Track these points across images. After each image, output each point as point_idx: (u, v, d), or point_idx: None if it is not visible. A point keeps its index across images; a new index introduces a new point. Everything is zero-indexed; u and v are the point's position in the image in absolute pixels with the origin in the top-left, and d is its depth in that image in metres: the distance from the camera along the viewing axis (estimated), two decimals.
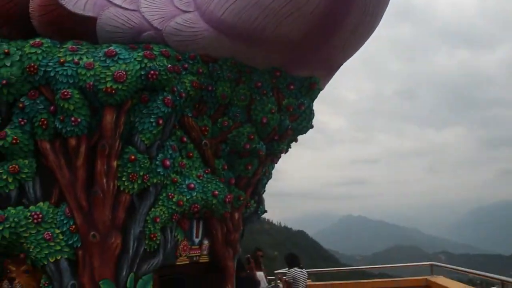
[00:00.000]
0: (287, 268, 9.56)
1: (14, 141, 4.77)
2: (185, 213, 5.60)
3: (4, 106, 4.92)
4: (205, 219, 6.05)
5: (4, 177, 4.77)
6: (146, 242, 5.16)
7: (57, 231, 4.82)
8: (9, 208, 4.74)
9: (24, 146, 4.85)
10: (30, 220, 4.70)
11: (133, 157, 5.05)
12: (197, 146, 5.87)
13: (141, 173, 5.09)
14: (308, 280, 10.00)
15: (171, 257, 5.53)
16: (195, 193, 5.56)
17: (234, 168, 6.41)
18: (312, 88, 6.32)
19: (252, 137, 6.16)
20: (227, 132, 6.13)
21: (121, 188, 5.02)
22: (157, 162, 5.32)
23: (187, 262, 5.79)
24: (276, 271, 10.86)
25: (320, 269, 13.99)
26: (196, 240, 5.96)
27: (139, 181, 5.10)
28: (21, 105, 4.89)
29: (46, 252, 4.69)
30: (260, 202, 7.38)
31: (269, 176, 7.54)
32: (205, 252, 6.10)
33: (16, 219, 4.63)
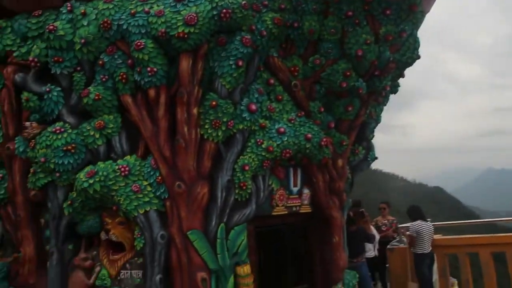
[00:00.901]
0: (410, 222, 8.55)
1: (96, 98, 4.58)
2: (278, 160, 5.00)
3: (87, 65, 4.73)
4: (304, 166, 5.39)
5: (92, 133, 4.62)
6: (236, 191, 4.68)
7: (145, 183, 4.56)
8: (99, 163, 4.59)
9: (107, 101, 4.64)
10: (118, 173, 4.49)
11: (214, 103, 4.56)
12: (286, 88, 5.19)
13: (225, 119, 4.59)
14: (437, 235, 8.84)
15: (266, 207, 5.00)
16: (286, 138, 4.92)
17: (333, 110, 5.62)
18: (413, 11, 5.19)
19: (348, 73, 5.29)
20: (320, 71, 5.34)
21: (205, 136, 4.58)
22: (242, 107, 4.77)
23: (286, 212, 5.21)
24: (399, 225, 9.83)
25: (448, 222, 12.35)
26: (295, 189, 5.33)
27: (223, 128, 4.60)
28: (101, 62, 4.66)
29: (135, 204, 4.46)
30: (370, 148, 6.50)
31: (377, 120, 6.59)
32: (305, 202, 5.46)
33: (105, 173, 4.46)
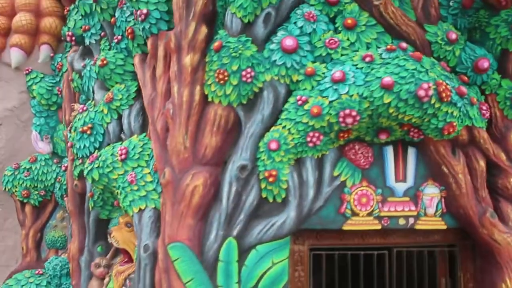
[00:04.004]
0: None
1: (100, 64, 3.25)
2: (345, 132, 2.53)
3: (108, 28, 3.47)
4: (422, 144, 2.67)
5: (101, 109, 3.32)
6: (262, 186, 2.53)
7: (146, 170, 2.95)
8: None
9: (117, 67, 3.24)
10: (116, 158, 3.05)
11: (217, 44, 2.59)
12: (364, 4, 2.64)
13: (235, 68, 2.54)
14: None
15: (329, 215, 2.57)
16: (345, 88, 2.42)
17: (486, 38, 2.68)
18: None
19: None
20: None
21: (209, 98, 2.64)
22: (271, 46, 2.60)
23: (378, 227, 2.62)
24: None
25: None
26: (400, 187, 2.66)
27: (234, 82, 2.56)
28: (112, 20, 3.34)
29: (130, 199, 2.91)
30: None
31: None
32: (431, 211, 2.67)
33: (103, 158, 3.09)
